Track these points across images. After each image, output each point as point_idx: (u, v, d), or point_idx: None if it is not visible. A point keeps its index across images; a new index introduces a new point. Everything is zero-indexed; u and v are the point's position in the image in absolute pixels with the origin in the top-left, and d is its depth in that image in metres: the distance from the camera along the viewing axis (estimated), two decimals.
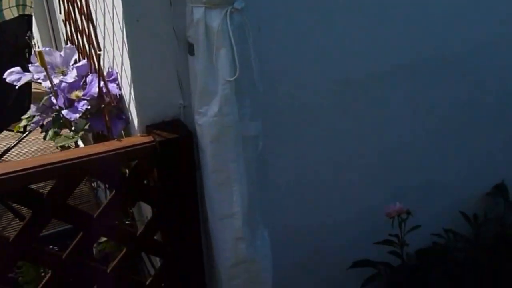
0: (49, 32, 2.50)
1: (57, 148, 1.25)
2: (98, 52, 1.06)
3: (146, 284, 1.25)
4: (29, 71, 1.22)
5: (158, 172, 1.09)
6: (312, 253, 1.57)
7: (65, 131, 1.24)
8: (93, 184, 1.56)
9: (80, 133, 1.19)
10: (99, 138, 1.23)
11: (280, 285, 1.33)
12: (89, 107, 1.13)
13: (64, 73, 1.23)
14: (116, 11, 1.02)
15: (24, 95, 2.13)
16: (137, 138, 1.07)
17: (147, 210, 1.28)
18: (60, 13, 1.55)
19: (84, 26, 1.20)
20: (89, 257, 1.19)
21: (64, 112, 1.13)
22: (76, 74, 1.19)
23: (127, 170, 1.14)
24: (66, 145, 1.22)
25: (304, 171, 1.41)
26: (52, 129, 1.24)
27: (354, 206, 1.58)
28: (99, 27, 1.19)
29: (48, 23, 2.46)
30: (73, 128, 1.22)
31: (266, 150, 1.12)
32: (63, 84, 1.16)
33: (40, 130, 1.31)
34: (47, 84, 1.19)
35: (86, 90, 1.15)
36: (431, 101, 1.56)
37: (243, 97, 1.01)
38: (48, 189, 0.99)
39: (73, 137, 1.19)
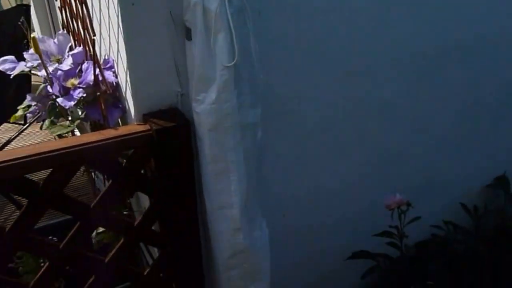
0: (48, 23, 2.47)
1: (55, 138, 1.23)
2: (93, 37, 1.04)
3: (144, 274, 1.24)
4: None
5: (155, 162, 1.08)
6: (311, 244, 1.57)
7: (62, 121, 1.23)
8: (92, 175, 1.54)
9: (76, 122, 1.17)
10: (96, 127, 1.21)
11: (278, 277, 1.32)
12: (84, 95, 1.11)
13: (59, 61, 1.21)
14: None
15: (24, 87, 2.11)
16: (134, 127, 1.05)
17: (145, 201, 1.27)
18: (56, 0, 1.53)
19: (79, 11, 1.18)
20: (87, 247, 1.18)
21: (59, 100, 1.11)
22: (71, 61, 1.16)
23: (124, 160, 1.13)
24: (63, 134, 1.21)
25: (303, 164, 1.40)
26: (48, 118, 1.22)
27: (353, 198, 1.57)
28: (95, 14, 1.16)
29: (47, 13, 2.43)
30: (69, 117, 1.21)
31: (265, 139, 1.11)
32: (59, 72, 1.14)
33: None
34: (42, 72, 1.17)
35: (81, 78, 1.13)
36: (431, 93, 1.55)
37: (242, 84, 0.99)
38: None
39: (69, 126, 1.17)
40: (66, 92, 1.13)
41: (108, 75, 1.14)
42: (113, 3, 0.98)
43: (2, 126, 2.29)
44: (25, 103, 1.24)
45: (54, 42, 1.23)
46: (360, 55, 1.32)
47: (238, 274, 1.20)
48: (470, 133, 1.74)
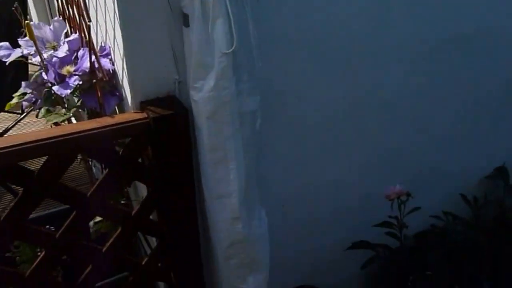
0: (45, 9, 2.44)
1: (51, 127, 1.22)
2: (88, 23, 1.01)
3: (142, 264, 1.23)
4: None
5: (153, 150, 1.06)
6: (311, 234, 1.56)
7: (58, 109, 1.21)
8: (90, 163, 1.53)
9: (72, 110, 1.15)
10: (93, 115, 1.20)
11: (278, 267, 1.32)
12: (80, 82, 1.09)
13: (55, 48, 1.19)
14: None
15: (21, 76, 2.09)
16: (130, 115, 1.03)
17: (143, 190, 1.25)
18: None
19: None
20: (84, 236, 1.17)
21: (55, 88, 1.09)
22: (67, 48, 1.15)
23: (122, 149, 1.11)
24: (60, 123, 1.19)
25: (303, 152, 1.39)
26: (44, 107, 1.21)
27: (353, 188, 1.56)
28: (92, 0, 1.14)
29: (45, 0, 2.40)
30: (65, 105, 1.19)
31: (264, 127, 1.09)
32: (54, 59, 1.12)
33: None
34: (37, 59, 1.15)
35: (77, 65, 1.11)
36: (432, 82, 1.53)
37: (241, 71, 0.97)
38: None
39: (65, 114, 1.15)
40: (61, 80, 1.11)
41: (105, 62, 1.12)
42: None
43: None
44: (21, 90, 1.22)
45: (50, 29, 1.21)
46: (362, 42, 1.30)
47: (237, 263, 1.19)
48: (470, 124, 1.73)
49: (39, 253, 1.30)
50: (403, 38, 1.37)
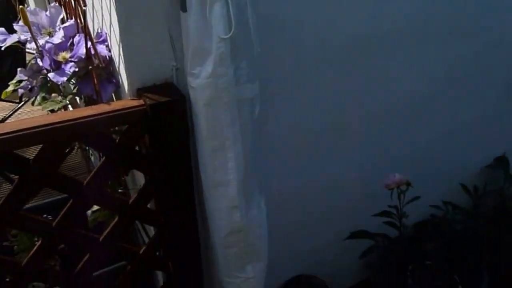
0: None
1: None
2: (83, 8, 0.99)
3: (140, 253, 1.23)
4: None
5: (150, 138, 1.05)
6: (310, 224, 1.55)
7: (54, 97, 1.19)
8: (88, 153, 1.51)
9: (69, 97, 1.13)
10: (90, 102, 1.18)
11: (276, 256, 1.31)
12: (76, 69, 1.07)
13: (51, 34, 1.17)
14: None
15: (18, 65, 2.07)
16: (127, 102, 1.02)
17: (140, 179, 1.24)
18: None
19: None
20: (81, 225, 1.16)
21: (50, 75, 1.07)
22: (63, 34, 1.12)
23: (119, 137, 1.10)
24: (56, 110, 1.18)
25: (301, 136, 1.37)
26: (40, 94, 1.19)
27: (352, 176, 1.55)
28: None
29: None
30: (61, 92, 1.18)
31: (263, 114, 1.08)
32: (49, 45, 1.10)
33: None
34: (32, 45, 1.13)
35: (73, 52, 1.09)
36: (432, 69, 1.52)
37: (239, 57, 0.95)
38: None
39: (61, 102, 1.14)
40: (57, 67, 1.10)
41: (101, 48, 1.10)
42: None
43: None
44: (16, 78, 1.21)
45: (46, 15, 1.19)
46: (363, 22, 1.28)
47: (236, 252, 1.19)
48: (470, 114, 1.72)
49: (36, 242, 1.29)
50: (405, 26, 1.35)
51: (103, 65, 1.10)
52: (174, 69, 1.04)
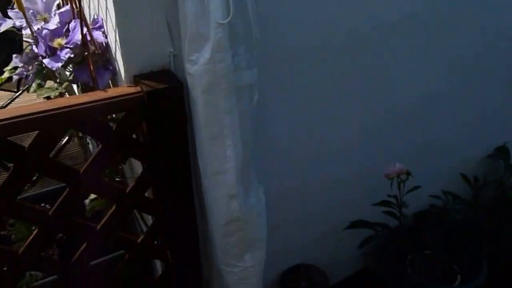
0: None
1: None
2: None
3: (137, 242, 1.22)
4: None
5: (147, 125, 1.04)
6: (309, 213, 1.55)
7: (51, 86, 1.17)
8: (85, 140, 1.50)
9: (64, 84, 1.12)
10: (86, 90, 1.16)
11: (275, 246, 1.30)
12: (72, 55, 1.06)
13: (46, 20, 1.15)
14: None
15: (16, 53, 2.05)
16: (123, 89, 1.00)
17: (138, 168, 1.23)
18: None
19: None
20: (78, 214, 1.14)
21: (45, 61, 1.05)
22: (58, 20, 1.11)
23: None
24: (52, 97, 1.16)
25: (301, 127, 1.36)
26: (35, 81, 1.17)
27: (352, 166, 1.54)
28: None
29: None
30: (57, 79, 1.16)
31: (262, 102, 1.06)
32: (44, 31, 1.08)
33: None
34: (27, 31, 1.12)
35: (69, 38, 1.07)
36: (433, 59, 1.50)
37: (238, 43, 0.94)
38: None
39: (57, 89, 1.12)
40: (52, 53, 1.08)
41: (97, 35, 1.08)
42: None
43: None
44: (12, 64, 1.19)
45: (42, 0, 1.17)
46: (366, 11, 1.27)
47: (234, 242, 1.18)
48: (471, 103, 1.70)
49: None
50: (409, 12, 1.33)
51: (100, 51, 1.08)
52: (171, 56, 1.02)
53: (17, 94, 2.37)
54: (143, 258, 1.28)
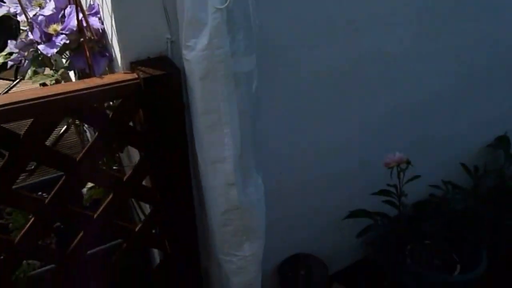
0: None
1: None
2: None
3: (135, 231, 1.21)
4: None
5: (144, 113, 1.02)
6: (308, 203, 1.54)
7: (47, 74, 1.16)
8: (82, 128, 1.49)
9: (60, 71, 1.10)
10: (83, 77, 1.15)
11: (274, 235, 1.30)
12: (68, 41, 1.04)
13: (41, 6, 1.13)
14: None
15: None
16: (120, 75, 0.99)
17: (135, 156, 1.22)
18: None
19: None
20: (76, 203, 1.14)
21: (40, 47, 1.04)
22: (54, 6, 1.09)
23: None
24: (48, 84, 1.14)
25: (302, 121, 1.35)
26: (31, 68, 1.16)
27: (352, 159, 1.53)
28: None
29: None
30: (53, 66, 1.14)
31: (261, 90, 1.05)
32: (40, 17, 1.06)
33: None
34: (22, 17, 1.10)
35: (64, 24, 1.05)
36: (433, 50, 1.49)
37: (236, 29, 0.92)
38: None
39: (52, 76, 1.11)
40: (48, 39, 1.06)
41: (93, 21, 1.06)
42: None
43: None
44: (7, 50, 1.17)
45: None
46: (364, 10, 1.25)
47: (233, 230, 1.17)
48: (472, 93, 1.69)
49: None
50: (410, 12, 1.33)
51: (96, 38, 1.07)
52: (168, 42, 1.01)
53: (15, 82, 2.35)
54: (141, 247, 1.28)
